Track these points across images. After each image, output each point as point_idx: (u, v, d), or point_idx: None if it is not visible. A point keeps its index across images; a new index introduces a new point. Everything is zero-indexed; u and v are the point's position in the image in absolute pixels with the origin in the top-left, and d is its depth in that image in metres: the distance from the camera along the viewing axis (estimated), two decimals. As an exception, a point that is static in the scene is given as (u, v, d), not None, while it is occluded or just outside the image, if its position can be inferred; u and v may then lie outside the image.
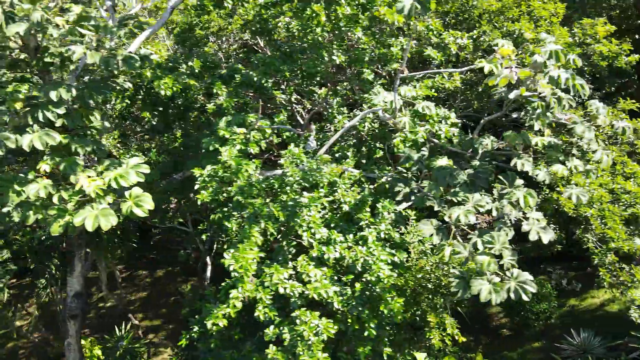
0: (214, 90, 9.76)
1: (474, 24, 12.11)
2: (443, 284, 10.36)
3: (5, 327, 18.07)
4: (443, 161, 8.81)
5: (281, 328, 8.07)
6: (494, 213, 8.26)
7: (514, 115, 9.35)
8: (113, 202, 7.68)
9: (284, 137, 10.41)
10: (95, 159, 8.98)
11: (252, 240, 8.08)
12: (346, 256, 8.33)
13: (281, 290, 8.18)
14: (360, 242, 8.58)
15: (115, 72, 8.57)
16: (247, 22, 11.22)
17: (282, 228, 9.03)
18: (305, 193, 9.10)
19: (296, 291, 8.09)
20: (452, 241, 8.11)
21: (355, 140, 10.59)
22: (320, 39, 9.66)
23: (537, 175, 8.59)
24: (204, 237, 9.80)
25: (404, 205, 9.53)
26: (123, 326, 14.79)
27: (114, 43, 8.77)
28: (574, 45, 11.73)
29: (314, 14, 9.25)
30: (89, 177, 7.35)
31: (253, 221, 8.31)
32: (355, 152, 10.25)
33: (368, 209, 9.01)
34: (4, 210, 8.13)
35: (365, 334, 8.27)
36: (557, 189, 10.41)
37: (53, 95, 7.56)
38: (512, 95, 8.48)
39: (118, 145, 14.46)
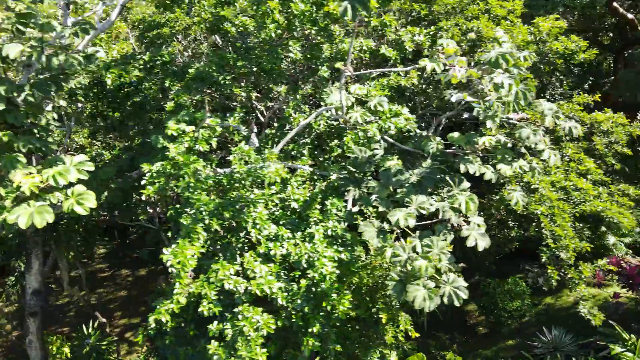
0: (166, 85, 9.80)
1: (435, 22, 12.14)
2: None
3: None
4: (392, 162, 8.84)
5: (225, 324, 8.13)
6: (440, 215, 8.30)
7: (465, 115, 9.38)
8: (58, 199, 7.70)
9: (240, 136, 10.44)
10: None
11: (195, 237, 8.13)
12: (292, 252, 8.38)
13: (227, 286, 8.23)
14: (307, 239, 8.62)
15: (67, 71, 8.59)
16: (204, 19, 11.22)
17: (233, 224, 9.07)
18: (256, 190, 9.15)
19: (240, 287, 8.14)
20: (393, 243, 8.14)
21: (310, 139, 10.59)
22: (273, 35, 9.68)
23: (483, 175, 8.62)
24: (169, 234, 9.81)
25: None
26: (91, 324, 14.85)
27: (65, 41, 8.81)
28: (532, 43, 11.76)
29: (268, 11, 9.27)
30: (29, 174, 7.39)
31: (197, 217, 8.36)
32: (312, 150, 10.29)
33: (318, 207, 9.06)
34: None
35: (310, 330, 8.31)
36: (509, 187, 10.45)
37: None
38: (454, 99, 8.52)
39: (88, 143, 14.53)
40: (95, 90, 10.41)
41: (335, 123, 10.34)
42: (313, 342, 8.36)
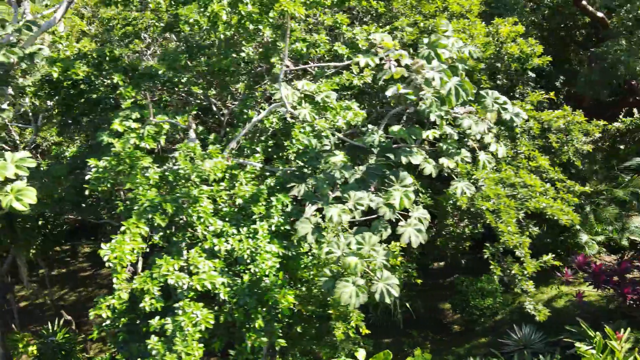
0: (114, 81, 9.83)
1: (396, 18, 12.19)
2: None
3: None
4: (337, 157, 8.86)
5: (166, 319, 8.17)
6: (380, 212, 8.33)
7: (410, 110, 9.42)
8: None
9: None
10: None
11: (136, 232, 8.17)
12: (236, 248, 8.42)
13: (170, 282, 8.28)
14: (251, 235, 8.66)
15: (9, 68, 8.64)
16: (159, 18, 11.25)
17: (183, 220, 9.12)
18: (204, 187, 9.18)
19: (182, 282, 8.19)
20: (330, 239, 8.17)
21: (266, 136, 10.63)
22: (222, 37, 9.70)
23: (424, 169, 8.65)
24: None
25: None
26: (56, 322, 14.89)
27: (13, 38, 8.86)
28: (491, 44, 11.81)
29: (215, 14, 9.31)
30: (-37, 169, 7.42)
31: (140, 212, 8.40)
32: (266, 147, 10.32)
33: (264, 203, 9.09)
34: None
35: (253, 325, 8.35)
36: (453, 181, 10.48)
37: None
38: (389, 93, 8.55)
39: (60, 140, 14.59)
40: (46, 88, 10.42)
41: (291, 120, 10.37)
42: (256, 338, 8.39)
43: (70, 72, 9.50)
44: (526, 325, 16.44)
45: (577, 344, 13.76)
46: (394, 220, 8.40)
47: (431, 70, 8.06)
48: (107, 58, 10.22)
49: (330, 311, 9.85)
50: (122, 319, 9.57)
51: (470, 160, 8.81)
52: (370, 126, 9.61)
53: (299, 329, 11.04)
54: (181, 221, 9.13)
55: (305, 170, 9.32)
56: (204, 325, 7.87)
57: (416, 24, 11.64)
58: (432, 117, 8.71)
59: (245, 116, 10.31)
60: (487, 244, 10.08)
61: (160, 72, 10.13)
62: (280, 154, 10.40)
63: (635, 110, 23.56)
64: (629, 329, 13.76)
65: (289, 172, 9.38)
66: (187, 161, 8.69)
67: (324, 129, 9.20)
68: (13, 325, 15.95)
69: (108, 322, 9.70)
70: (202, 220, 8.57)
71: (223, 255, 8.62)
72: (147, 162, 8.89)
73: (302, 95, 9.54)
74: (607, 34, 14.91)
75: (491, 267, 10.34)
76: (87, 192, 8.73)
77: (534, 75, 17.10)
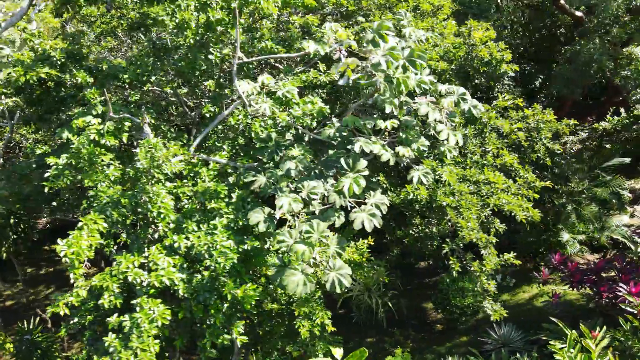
0: (78, 80, 9.84)
1: (367, 17, 12.19)
2: (317, 274, 10.43)
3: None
4: (296, 151, 8.89)
5: (124, 316, 8.19)
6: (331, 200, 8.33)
7: (370, 101, 9.43)
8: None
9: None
10: None
11: (94, 228, 8.19)
12: (195, 244, 8.43)
13: (129, 279, 8.29)
14: (210, 231, 8.67)
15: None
16: (123, 16, 11.26)
17: (143, 217, 9.13)
18: (168, 183, 9.21)
19: (140, 279, 8.20)
20: (283, 229, 8.16)
21: (235, 134, 10.64)
22: (192, 41, 9.73)
23: (382, 156, 8.66)
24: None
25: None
26: (32, 320, 14.90)
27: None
28: (463, 45, 11.81)
29: (183, 22, 9.34)
30: None
31: (99, 209, 8.42)
32: (231, 144, 10.32)
33: (225, 199, 9.10)
34: None
35: (212, 321, 8.36)
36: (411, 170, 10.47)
37: None
38: (341, 82, 8.56)
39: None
40: (10, 87, 10.39)
41: (251, 115, 10.32)
42: (217, 334, 8.40)
43: (28, 75, 9.45)
44: (506, 324, 16.47)
45: (552, 342, 13.74)
46: (348, 209, 8.41)
47: (377, 55, 8.05)
48: (72, 58, 10.19)
49: (292, 308, 9.84)
50: (89, 317, 9.61)
51: (427, 149, 8.81)
52: (334, 119, 9.63)
53: (267, 327, 11.06)
54: (144, 218, 9.14)
55: (266, 164, 9.32)
56: (160, 321, 7.88)
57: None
58: (388, 108, 8.74)
59: (212, 114, 10.32)
60: (447, 240, 10.08)
61: (125, 75, 10.14)
62: (248, 151, 10.39)
63: (622, 109, 23.61)
64: (604, 327, 13.75)
65: (249, 167, 9.37)
66: (146, 157, 8.70)
67: (285, 122, 9.16)
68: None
69: (76, 319, 9.75)
70: (162, 216, 8.59)
71: (183, 252, 8.63)
72: (108, 159, 8.90)
73: (265, 91, 9.54)
74: (583, 32, 14.93)
75: (450, 262, 10.34)
76: (45, 190, 8.73)
77: (512, 74, 17.13)
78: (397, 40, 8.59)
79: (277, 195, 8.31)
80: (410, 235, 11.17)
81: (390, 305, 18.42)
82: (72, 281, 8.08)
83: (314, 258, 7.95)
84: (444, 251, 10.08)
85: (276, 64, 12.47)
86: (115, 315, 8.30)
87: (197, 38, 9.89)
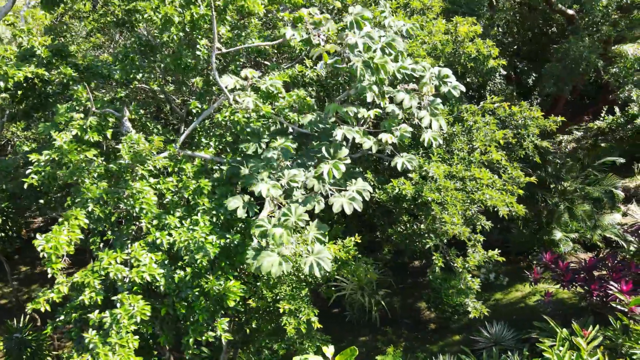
0: (65, 77, 9.79)
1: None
2: (303, 271, 10.41)
3: None
4: (279, 142, 8.86)
5: (105, 312, 8.17)
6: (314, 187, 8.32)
7: (352, 92, 9.43)
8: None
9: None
10: None
11: (74, 223, 8.17)
12: (177, 240, 8.42)
13: (111, 275, 8.28)
14: (192, 227, 8.65)
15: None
16: (110, 12, 11.21)
17: (126, 214, 9.11)
18: (152, 179, 9.20)
19: (121, 275, 8.19)
20: (263, 218, 8.12)
21: (223, 129, 10.61)
22: (175, 38, 9.70)
23: (363, 144, 8.66)
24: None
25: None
26: (22, 319, 14.90)
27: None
28: (450, 42, 11.79)
29: (167, 17, 9.30)
30: None
31: (81, 204, 8.41)
32: (218, 140, 10.30)
33: (208, 195, 9.09)
34: None
35: (195, 318, 8.34)
36: (410, 175, 10.50)
37: None
38: (318, 67, 8.54)
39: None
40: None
41: (235, 108, 10.27)
42: (200, 331, 8.38)
43: (16, 77, 9.38)
44: (498, 323, 16.45)
45: (542, 340, 13.70)
46: (327, 195, 8.39)
47: (353, 37, 8.03)
48: (59, 55, 10.13)
49: (278, 305, 9.81)
50: (74, 315, 9.60)
51: (409, 134, 8.78)
52: (318, 112, 9.62)
53: (254, 325, 11.03)
54: (127, 215, 9.12)
55: (251, 157, 9.29)
56: (140, 317, 7.86)
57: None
58: (369, 96, 8.74)
59: (199, 110, 10.30)
60: (432, 235, 10.05)
61: (116, 76, 10.10)
62: (235, 148, 10.37)
63: (617, 108, 23.58)
64: (597, 326, 13.71)
65: (234, 161, 9.33)
66: (129, 152, 8.68)
67: (269, 114, 9.12)
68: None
69: (62, 317, 9.74)
70: (144, 211, 8.57)
71: (166, 248, 8.61)
72: (91, 155, 8.89)
73: (249, 84, 9.51)
74: (574, 30, 14.91)
75: (433, 258, 10.30)
76: (25, 186, 8.71)
77: (504, 72, 17.11)
78: (377, 30, 8.57)
79: (256, 182, 8.26)
80: (399, 233, 11.13)
81: (383, 304, 18.39)
82: (49, 276, 8.04)
83: (293, 244, 7.89)
84: (427, 246, 10.05)
85: (264, 62, 12.45)
86: (97, 311, 8.29)
87: (182, 35, 9.86)
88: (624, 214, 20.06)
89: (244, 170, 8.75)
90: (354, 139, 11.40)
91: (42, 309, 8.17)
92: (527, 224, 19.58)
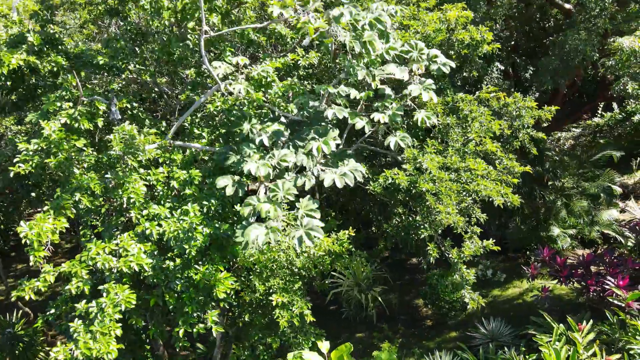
0: (55, 68, 9.68)
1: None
2: (296, 264, 10.33)
3: None
4: (273, 127, 8.79)
5: (92, 302, 8.07)
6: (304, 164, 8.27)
7: (342, 75, 9.36)
8: None
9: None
10: None
11: (60, 212, 8.06)
12: (167, 230, 8.32)
13: (99, 265, 8.18)
14: (181, 217, 8.55)
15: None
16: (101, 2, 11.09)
17: (116, 204, 9.01)
18: (142, 170, 9.10)
19: (109, 264, 8.08)
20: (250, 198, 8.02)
21: (217, 120, 10.51)
22: (167, 23, 9.60)
23: (356, 124, 8.59)
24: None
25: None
26: (15, 314, 14.81)
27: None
28: (444, 30, 11.69)
29: (156, 1, 9.20)
30: None
31: (67, 191, 8.30)
32: (211, 131, 10.21)
33: (198, 185, 8.99)
34: None
35: (185, 310, 8.24)
36: (404, 165, 10.40)
37: None
38: (304, 42, 8.46)
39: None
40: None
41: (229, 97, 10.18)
42: (190, 323, 8.27)
43: (4, 59, 9.24)
44: (495, 319, 16.35)
45: (538, 335, 13.62)
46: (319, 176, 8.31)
47: (342, 8, 7.94)
48: (50, 44, 9.99)
49: (271, 298, 9.70)
50: (64, 307, 9.50)
51: (402, 113, 8.69)
52: (311, 103, 9.54)
53: (247, 318, 10.94)
54: (117, 206, 9.02)
55: (242, 142, 9.18)
56: (124, 305, 7.75)
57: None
58: (360, 75, 8.64)
59: (191, 101, 10.19)
60: (426, 226, 9.95)
61: (101, 62, 10.00)
62: (228, 139, 10.28)
63: (615, 104, 23.49)
64: (591, 320, 13.62)
65: (226, 148, 9.24)
66: (120, 142, 8.58)
67: (260, 101, 9.01)
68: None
69: (52, 310, 9.65)
70: (132, 201, 8.47)
71: (155, 239, 8.51)
72: (81, 144, 8.79)
73: (241, 72, 9.41)
74: (571, 24, 14.82)
75: (428, 248, 10.20)
76: (11, 174, 8.59)
77: (502, 67, 17.02)
78: (365, 12, 8.48)
79: (246, 162, 8.15)
80: (394, 226, 11.04)
81: (380, 300, 18.30)
82: (31, 263, 7.93)
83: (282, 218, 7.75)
84: (422, 236, 9.94)
85: (256, 53, 12.35)
86: (84, 301, 8.19)
87: (172, 20, 9.74)
88: (622, 210, 19.97)
89: (235, 156, 8.64)
90: (349, 130, 11.35)
91: (27, 297, 8.06)
92: (525, 221, 19.49)
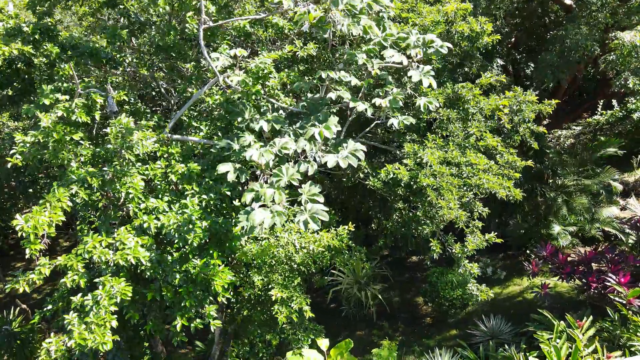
0: (52, 56, 9.56)
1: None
2: (295, 259, 10.23)
3: None
4: (271, 116, 8.72)
5: (87, 295, 7.98)
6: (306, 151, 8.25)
7: (341, 66, 9.35)
8: None
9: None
10: None
11: (57, 205, 7.97)
12: (165, 224, 8.23)
13: (95, 259, 8.10)
14: (180, 211, 8.46)
15: None
16: None
17: (114, 199, 8.92)
18: (139, 164, 9.02)
19: (105, 257, 7.99)
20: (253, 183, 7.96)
21: (216, 114, 10.41)
22: (162, 11, 9.50)
23: (357, 107, 8.57)
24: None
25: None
26: (12, 311, 14.71)
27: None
28: (442, 22, 11.60)
29: None
30: None
31: (64, 184, 8.21)
32: (209, 125, 10.11)
33: (197, 179, 8.90)
34: None
35: (183, 304, 8.15)
36: (405, 160, 10.31)
37: None
38: (304, 28, 8.43)
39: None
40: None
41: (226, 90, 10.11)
42: (188, 318, 8.18)
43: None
44: (495, 316, 16.28)
45: (538, 332, 13.54)
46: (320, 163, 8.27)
47: None
48: (46, 34, 9.86)
49: (270, 293, 9.60)
50: (61, 303, 9.42)
51: (402, 97, 8.68)
52: (309, 95, 9.49)
53: (245, 314, 10.85)
54: (115, 199, 8.93)
55: (242, 132, 9.11)
56: (120, 297, 7.66)
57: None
58: (359, 60, 8.62)
59: (189, 94, 10.11)
60: (428, 222, 9.86)
61: (98, 45, 9.87)
62: (227, 133, 10.19)
63: (614, 102, 23.41)
64: (591, 317, 13.55)
65: (225, 138, 9.15)
66: (117, 136, 8.49)
67: (259, 93, 8.92)
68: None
69: (50, 306, 9.57)
70: (131, 196, 8.37)
71: (153, 233, 8.42)
72: (78, 137, 8.69)
73: (239, 65, 9.34)
74: (571, 19, 14.74)
75: (431, 244, 10.10)
76: (8, 165, 8.49)
77: (502, 63, 16.93)
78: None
79: (247, 150, 8.07)
80: (394, 221, 10.95)
81: (380, 298, 18.22)
82: (27, 256, 7.82)
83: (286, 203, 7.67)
84: (425, 232, 9.85)
85: (255, 48, 12.25)
86: (80, 295, 8.10)
87: (168, 8, 9.64)
88: (623, 208, 19.89)
89: (235, 145, 8.55)
90: (348, 126, 11.28)
91: (21, 290, 7.97)
92: (525, 218, 19.41)
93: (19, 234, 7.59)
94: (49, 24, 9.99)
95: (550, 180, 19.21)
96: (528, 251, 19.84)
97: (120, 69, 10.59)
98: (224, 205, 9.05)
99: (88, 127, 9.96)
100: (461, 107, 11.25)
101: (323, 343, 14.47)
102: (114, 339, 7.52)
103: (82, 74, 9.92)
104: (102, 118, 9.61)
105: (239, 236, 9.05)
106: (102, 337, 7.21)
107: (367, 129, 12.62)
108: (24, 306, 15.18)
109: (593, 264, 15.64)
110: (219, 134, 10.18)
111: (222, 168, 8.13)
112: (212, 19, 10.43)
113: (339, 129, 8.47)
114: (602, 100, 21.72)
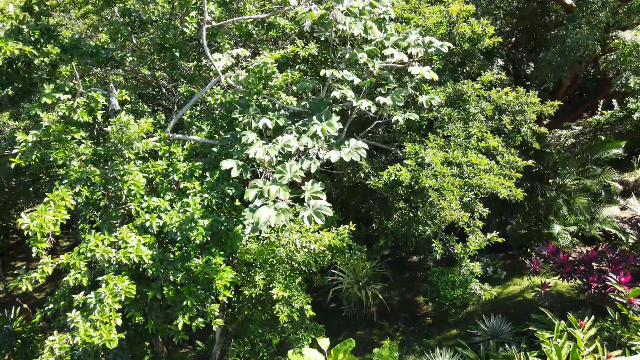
0: (52, 57, 9.55)
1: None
2: (297, 258, 10.24)
3: None
4: (273, 114, 8.74)
5: (90, 294, 7.99)
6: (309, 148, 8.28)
7: (342, 65, 9.42)
8: None
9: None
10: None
11: (60, 203, 7.98)
12: (167, 222, 8.23)
13: (97, 257, 8.10)
14: (182, 210, 8.47)
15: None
16: None
17: (115, 197, 8.93)
18: (139, 162, 9.02)
19: (107, 256, 8.00)
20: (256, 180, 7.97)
21: (217, 113, 10.42)
22: (161, 9, 9.49)
23: (360, 105, 8.62)
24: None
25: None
26: (13, 310, 14.71)
27: None
28: (443, 23, 11.61)
29: None
30: None
31: (68, 183, 8.22)
32: (211, 124, 10.11)
33: (199, 178, 8.90)
34: None
35: (185, 303, 8.15)
36: (406, 161, 10.32)
37: None
38: (305, 26, 8.46)
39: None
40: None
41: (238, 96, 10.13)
42: (189, 316, 8.19)
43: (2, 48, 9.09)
44: (495, 316, 16.29)
45: (539, 332, 13.56)
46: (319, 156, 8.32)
47: None
48: (47, 35, 9.85)
49: (271, 292, 9.61)
50: (62, 302, 9.42)
51: (403, 94, 8.74)
52: (312, 96, 9.51)
53: (247, 313, 10.86)
54: (116, 198, 8.94)
55: (243, 130, 9.12)
56: (124, 294, 7.67)
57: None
58: (361, 60, 8.66)
59: (190, 94, 10.11)
60: (429, 222, 9.87)
61: (101, 39, 9.86)
62: (229, 130, 10.18)
63: (615, 101, 23.41)
64: (592, 317, 13.57)
65: (228, 136, 9.17)
66: (117, 134, 8.49)
67: (261, 92, 8.94)
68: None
69: (51, 305, 9.56)
70: (132, 192, 8.38)
71: (155, 231, 8.42)
72: (79, 136, 8.69)
73: (240, 66, 9.36)
74: (572, 19, 14.76)
75: (433, 245, 10.12)
76: (12, 166, 8.50)
77: (502, 62, 16.95)
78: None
79: (250, 147, 8.09)
80: (395, 220, 10.96)
81: (381, 298, 18.23)
82: (33, 255, 7.84)
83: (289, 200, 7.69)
84: (427, 232, 9.87)
85: (257, 48, 12.26)
86: (82, 293, 8.11)
87: (168, 6, 9.63)
88: (623, 208, 19.91)
89: (238, 143, 8.56)
90: (349, 126, 11.29)
91: (24, 288, 7.98)
92: (526, 218, 19.43)
93: (24, 233, 7.58)
94: (48, 23, 9.99)
95: (551, 180, 19.23)
96: (529, 250, 19.86)
97: (122, 68, 10.58)
98: (225, 204, 9.05)
99: (90, 127, 9.96)
100: (462, 107, 11.26)
101: (324, 342, 14.49)
102: (119, 336, 7.53)
103: (83, 73, 9.90)
104: (103, 118, 9.61)
105: (240, 235, 9.05)
106: (108, 334, 7.23)
107: (368, 129, 12.63)
108: (25, 306, 15.19)
109: (593, 264, 15.67)
110: (221, 133, 10.18)
111: (225, 164, 8.14)
112: (215, 18, 10.44)
113: (341, 127, 8.49)
114: (602, 100, 21.70)
